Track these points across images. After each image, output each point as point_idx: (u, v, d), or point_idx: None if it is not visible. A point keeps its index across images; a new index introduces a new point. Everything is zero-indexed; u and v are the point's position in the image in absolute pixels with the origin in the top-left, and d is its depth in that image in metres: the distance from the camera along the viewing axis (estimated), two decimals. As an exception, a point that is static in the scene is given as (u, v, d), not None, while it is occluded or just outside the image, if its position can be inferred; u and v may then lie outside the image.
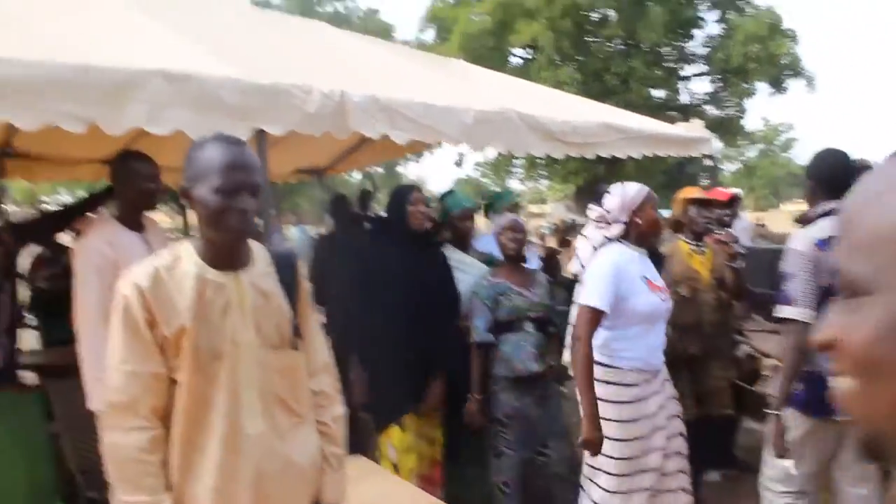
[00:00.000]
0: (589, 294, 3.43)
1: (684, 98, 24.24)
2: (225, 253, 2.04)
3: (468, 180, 36.52)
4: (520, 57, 23.42)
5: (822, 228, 3.20)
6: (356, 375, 3.98)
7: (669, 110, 21.83)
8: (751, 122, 30.64)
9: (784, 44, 22.25)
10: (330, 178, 8.90)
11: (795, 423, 3.30)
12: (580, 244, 3.76)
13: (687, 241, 4.68)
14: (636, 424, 3.50)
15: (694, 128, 5.96)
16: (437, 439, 4.15)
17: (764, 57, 21.53)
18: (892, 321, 0.65)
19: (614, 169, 20.62)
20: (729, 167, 46.22)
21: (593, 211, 3.66)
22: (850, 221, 0.71)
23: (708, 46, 23.81)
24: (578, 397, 3.43)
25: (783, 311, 3.20)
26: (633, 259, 3.56)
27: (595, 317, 3.40)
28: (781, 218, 46.47)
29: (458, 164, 25.36)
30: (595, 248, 3.60)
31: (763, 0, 23.29)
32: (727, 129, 24.59)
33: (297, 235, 21.10)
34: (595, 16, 22.36)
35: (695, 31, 23.85)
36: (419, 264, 4.07)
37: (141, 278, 1.97)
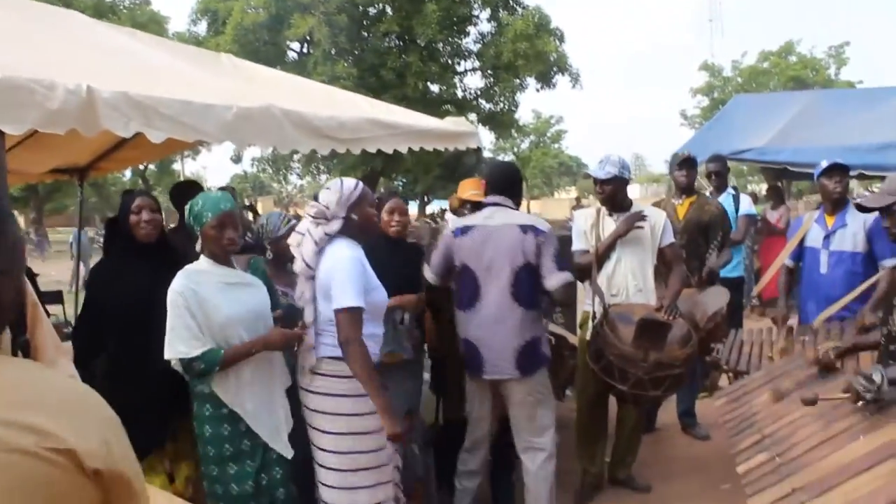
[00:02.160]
0: (345, 295, 3.39)
1: (459, 93, 24.95)
2: None
3: (246, 176, 35.64)
4: (296, 52, 23.19)
5: (469, 219, 4.26)
6: None
7: (445, 104, 22.40)
8: (522, 116, 32.16)
9: (551, 42, 23.48)
10: (98, 178, 8.38)
11: (467, 379, 4.26)
12: (301, 242, 3.61)
13: None
14: (375, 416, 3.50)
15: (461, 122, 6.14)
16: None
17: (532, 54, 22.60)
18: None
19: (392, 163, 20.87)
20: (503, 158, 48.20)
21: (312, 207, 3.64)
22: None
23: (480, 43, 24.65)
24: None
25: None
26: (362, 254, 3.59)
27: (359, 316, 3.40)
28: (555, 206, 49.06)
29: (236, 159, 24.80)
30: (317, 245, 3.54)
31: (532, 0, 24.42)
32: (500, 122, 25.62)
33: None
34: (371, 11, 22.56)
35: (469, 28, 24.64)
36: (154, 283, 3.52)
37: None
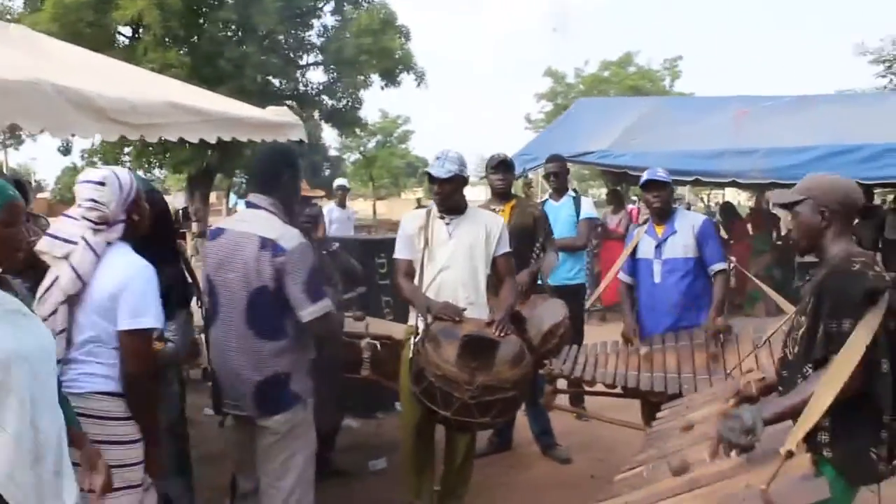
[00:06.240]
0: (146, 314, 2.77)
1: (301, 87, 24.19)
2: None
3: (77, 169, 33.15)
4: (126, 36, 21.71)
5: (225, 220, 3.73)
6: None
7: (286, 99, 21.63)
8: (369, 115, 31.41)
9: (396, 39, 23.10)
10: None
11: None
12: (76, 254, 2.81)
13: None
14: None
15: (283, 112, 5.60)
16: None
17: (376, 50, 22.15)
18: None
19: (229, 156, 19.87)
20: (348, 157, 47.73)
21: (90, 209, 2.86)
22: None
23: (323, 37, 23.98)
24: None
25: None
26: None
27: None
28: (401, 206, 49.06)
29: (64, 151, 23.18)
30: (97, 256, 2.81)
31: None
32: (343, 119, 25.00)
33: None
34: (207, -3, 21.46)
35: (312, 21, 23.91)
36: None
37: None
